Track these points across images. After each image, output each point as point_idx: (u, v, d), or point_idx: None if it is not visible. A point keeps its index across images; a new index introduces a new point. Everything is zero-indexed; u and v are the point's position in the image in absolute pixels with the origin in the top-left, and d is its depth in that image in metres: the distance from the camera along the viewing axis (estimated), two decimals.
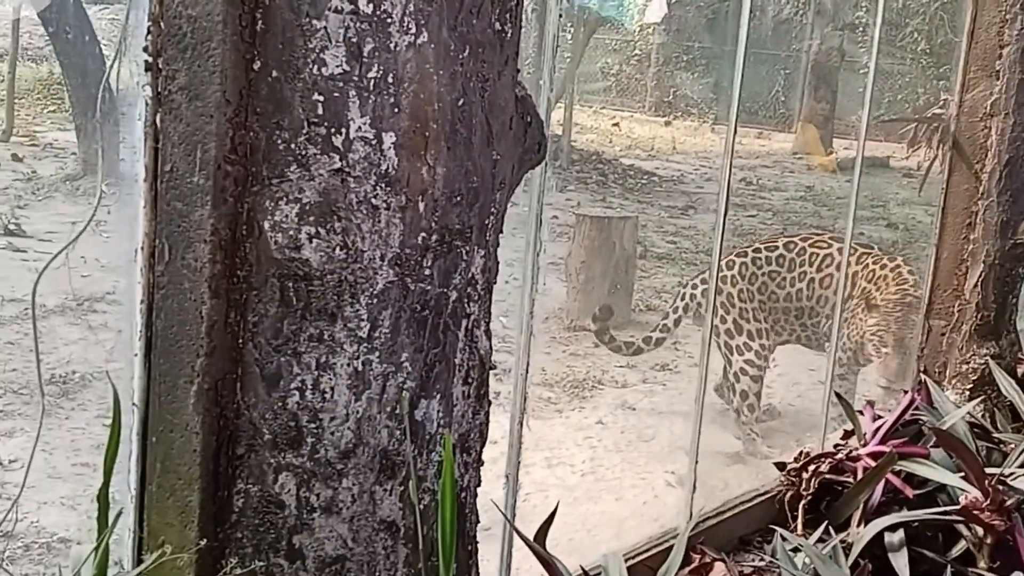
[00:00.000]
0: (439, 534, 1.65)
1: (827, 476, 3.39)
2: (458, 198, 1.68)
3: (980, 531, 3.11)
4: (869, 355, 4.91)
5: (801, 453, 3.46)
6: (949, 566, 2.97)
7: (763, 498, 3.40)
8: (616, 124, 17.56)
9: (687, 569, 2.92)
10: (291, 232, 1.54)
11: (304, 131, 1.52)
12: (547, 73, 2.30)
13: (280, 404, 1.60)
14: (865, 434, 3.55)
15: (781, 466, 3.47)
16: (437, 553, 1.71)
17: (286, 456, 1.61)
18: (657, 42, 20.15)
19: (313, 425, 1.62)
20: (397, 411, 1.69)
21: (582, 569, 2.55)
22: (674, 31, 19.94)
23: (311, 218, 1.54)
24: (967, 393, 4.03)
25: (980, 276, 4.02)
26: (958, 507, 3.13)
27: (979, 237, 4.02)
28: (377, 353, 1.64)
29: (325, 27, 1.50)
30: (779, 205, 12.14)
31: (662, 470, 4.39)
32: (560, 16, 2.32)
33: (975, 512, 3.09)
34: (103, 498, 1.53)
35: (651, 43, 20.22)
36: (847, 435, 3.68)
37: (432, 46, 1.58)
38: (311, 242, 1.55)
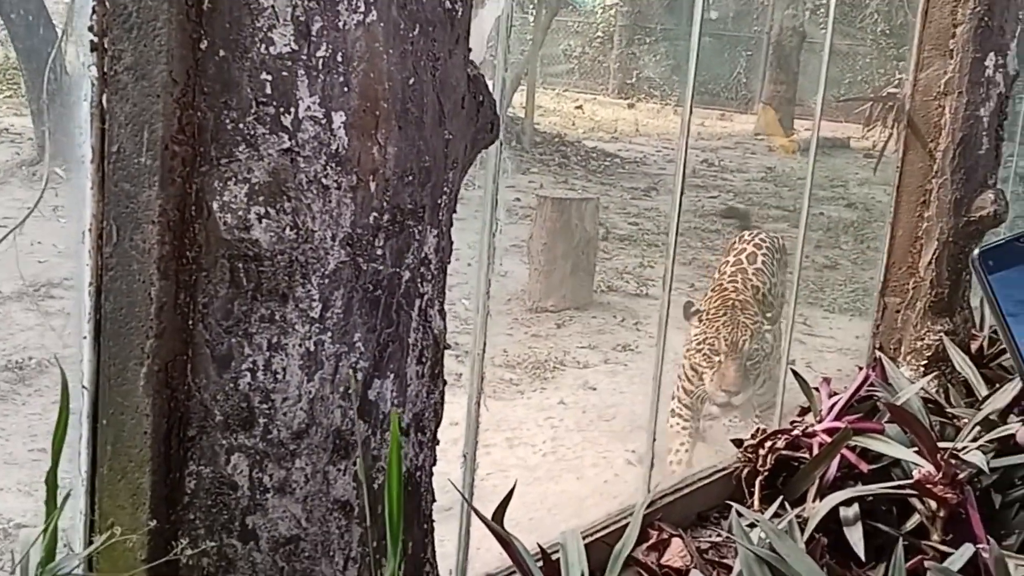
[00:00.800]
0: (386, 512, 1.66)
1: (784, 452, 3.42)
2: (410, 177, 1.68)
3: (933, 504, 3.16)
4: (699, 366, 4.47)
5: (758, 430, 3.49)
6: (902, 539, 3.01)
7: (721, 475, 3.43)
8: (579, 106, 17.58)
9: (645, 545, 2.94)
10: (240, 212, 1.53)
11: (252, 111, 1.51)
12: (501, 53, 2.30)
13: (232, 385, 1.59)
14: (821, 410, 3.59)
15: (738, 443, 3.50)
16: None
17: (238, 437, 1.61)
18: (620, 24, 20.15)
19: (265, 406, 1.61)
20: (350, 391, 1.69)
21: (539, 547, 2.56)
22: (636, 13, 19.96)
23: (260, 198, 1.54)
24: (921, 369, 4.08)
25: (934, 254, 4.07)
26: (912, 481, 3.18)
27: (933, 215, 4.06)
28: (329, 333, 1.64)
29: (272, 5, 1.49)
30: (741, 186, 12.22)
31: (623, 449, 4.42)
32: None
33: (928, 486, 3.13)
34: (51, 481, 1.52)
35: (613, 25, 20.23)
36: (803, 412, 3.72)
37: (382, 24, 1.58)
38: (261, 222, 1.54)
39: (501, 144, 2.28)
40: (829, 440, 3.34)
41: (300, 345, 1.62)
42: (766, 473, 3.36)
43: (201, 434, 1.60)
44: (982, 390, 3.82)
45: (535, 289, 6.93)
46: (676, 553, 2.90)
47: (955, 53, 3.99)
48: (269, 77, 1.51)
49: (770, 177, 12.88)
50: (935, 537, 3.12)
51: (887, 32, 16.12)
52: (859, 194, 11.27)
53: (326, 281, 1.61)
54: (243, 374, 1.59)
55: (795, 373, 3.74)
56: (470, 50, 1.83)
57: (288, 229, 1.56)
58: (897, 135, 4.20)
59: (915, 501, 3.21)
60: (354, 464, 1.71)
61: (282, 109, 1.52)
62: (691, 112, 3.15)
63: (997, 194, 4.09)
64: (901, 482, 3.24)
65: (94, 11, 1.53)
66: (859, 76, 16.87)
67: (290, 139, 1.54)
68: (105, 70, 1.54)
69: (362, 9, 1.56)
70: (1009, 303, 1.08)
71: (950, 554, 2.90)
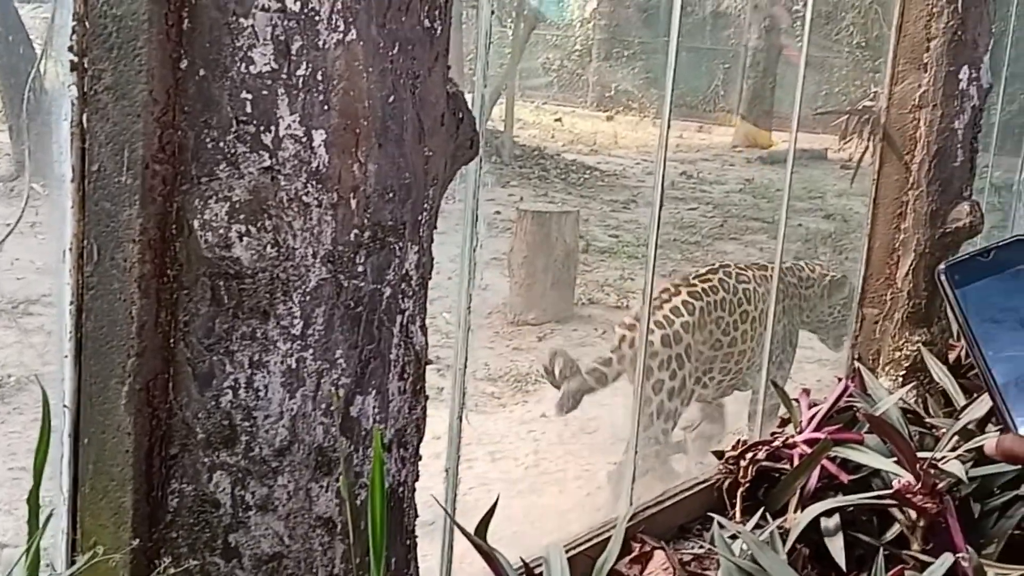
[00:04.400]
0: (369, 529, 1.66)
1: (764, 463, 3.44)
2: (390, 195, 1.69)
3: (913, 514, 3.17)
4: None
5: (739, 441, 3.51)
6: (883, 549, 3.03)
7: (702, 486, 3.44)
8: (558, 119, 17.63)
9: (627, 558, 2.95)
10: (221, 231, 1.54)
11: (233, 129, 1.52)
12: (480, 69, 2.32)
13: (213, 403, 1.59)
14: (801, 421, 3.61)
15: (720, 454, 3.52)
16: None
17: (220, 455, 1.61)
18: (597, 37, 20.24)
19: (247, 423, 1.62)
20: (332, 408, 1.69)
21: (523, 562, 2.56)
22: (614, 26, 20.05)
23: (241, 216, 1.54)
24: (900, 379, 4.11)
25: (911, 265, 4.10)
26: (891, 491, 3.20)
27: (910, 227, 4.10)
28: (311, 350, 1.65)
29: (252, 25, 1.50)
30: (719, 198, 12.27)
31: (605, 461, 4.43)
32: (492, 13, 2.33)
33: (908, 496, 3.15)
34: (33, 501, 1.51)
35: (592, 38, 20.32)
36: (783, 423, 3.73)
37: (361, 43, 1.59)
38: (242, 240, 1.55)
39: (481, 159, 2.29)
40: (809, 451, 3.36)
41: (282, 362, 1.62)
42: (747, 484, 3.37)
43: (183, 452, 1.60)
44: (960, 400, 3.85)
45: (516, 302, 6.94)
46: (658, 566, 2.91)
47: (929, 66, 4.03)
48: (249, 96, 1.52)
49: (748, 189, 12.95)
50: (915, 547, 3.14)
51: (863, 44, 16.25)
52: (836, 205, 11.34)
53: (307, 298, 1.62)
54: (225, 392, 1.59)
55: (775, 384, 3.76)
56: (449, 67, 1.84)
57: (269, 247, 1.56)
58: (873, 148, 4.24)
59: (895, 511, 3.23)
60: (336, 481, 1.71)
61: (262, 128, 1.53)
62: (669, 125, 3.17)
63: (972, 205, 4.13)
64: (881, 492, 3.26)
65: (74, 31, 1.53)
66: (835, 88, 17.00)
67: (271, 157, 1.55)
68: (85, 90, 1.54)
69: (341, 28, 1.57)
70: (975, 317, 1.10)
71: (930, 563, 2.92)
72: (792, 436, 3.54)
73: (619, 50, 19.83)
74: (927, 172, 4.07)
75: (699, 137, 16.99)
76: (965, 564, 2.81)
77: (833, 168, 12.84)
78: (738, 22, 18.78)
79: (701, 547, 3.13)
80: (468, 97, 2.02)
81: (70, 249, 1.58)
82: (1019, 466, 1.17)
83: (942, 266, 1.10)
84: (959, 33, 4.00)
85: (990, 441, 1.19)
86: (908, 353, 4.14)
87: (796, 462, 3.38)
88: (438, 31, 1.74)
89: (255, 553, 1.64)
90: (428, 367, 2.05)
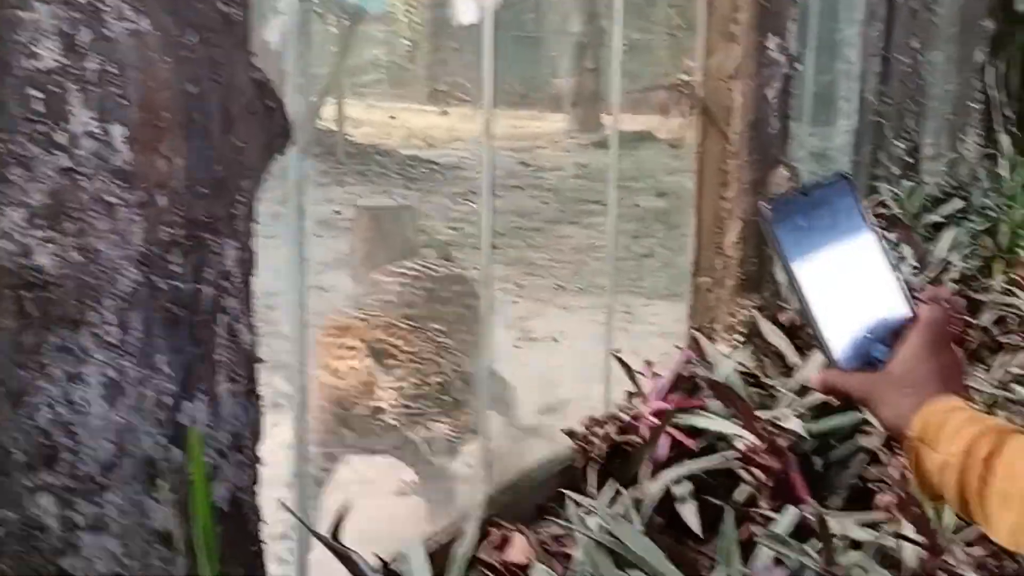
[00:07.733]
0: (197, 536, 1.60)
1: (616, 438, 3.47)
2: (202, 189, 1.62)
3: (760, 473, 3.26)
4: None
5: (589, 418, 3.53)
6: (733, 509, 3.09)
7: (560, 467, 3.45)
8: (392, 116, 17.51)
9: (488, 545, 2.93)
10: (19, 238, 1.45)
11: (22, 130, 1.43)
12: (292, 60, 2.26)
13: (29, 421, 1.51)
14: (646, 393, 3.66)
15: (571, 433, 3.53)
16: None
17: (42, 476, 1.53)
18: (423, 30, 20.19)
19: (68, 440, 1.53)
20: (159, 416, 1.62)
21: (380, 559, 2.52)
22: (437, 18, 20.03)
23: (41, 221, 1.46)
24: (738, 344, 4.22)
25: (738, 233, 4.22)
26: (737, 453, 3.28)
27: (734, 195, 4.21)
28: (131, 358, 1.57)
29: (34, 18, 1.42)
30: (557, 184, 12.40)
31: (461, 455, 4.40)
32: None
33: (753, 456, 3.24)
34: None
35: (419, 33, 20.25)
36: (630, 396, 3.78)
37: (155, 32, 1.52)
38: (43, 247, 1.46)
39: (305, 155, 2.24)
40: (658, 421, 3.41)
41: (100, 373, 1.54)
42: (602, 460, 3.39)
43: (1, 476, 1.50)
44: (795, 359, 3.97)
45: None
46: (518, 549, 2.91)
47: (739, 38, 4.14)
48: (38, 93, 1.44)
49: (584, 173, 13.13)
50: (764, 504, 3.22)
51: (683, 25, 16.67)
52: (668, 183, 11.58)
53: (121, 303, 1.54)
54: (40, 408, 1.51)
55: (617, 357, 3.79)
56: (254, 55, 1.78)
57: (73, 251, 1.48)
58: (694, 122, 4.33)
59: (743, 472, 3.31)
60: (172, 492, 1.64)
61: (55, 126, 1.45)
62: (491, 113, 3.17)
63: (791, 171, 4.28)
64: (726, 454, 3.34)
65: None
66: (659, 69, 17.37)
67: (68, 158, 1.47)
68: None
69: (131, 17, 1.49)
70: (793, 253, 1.13)
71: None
72: (639, 408, 3.59)
73: (446, 42, 19.82)
74: (747, 142, 4.19)
75: (535, 125, 17.13)
76: (809, 516, 2.90)
77: (663, 148, 13.12)
78: (562, 9, 19.01)
79: (562, 527, 3.14)
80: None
81: None
82: (841, 400, 1.19)
83: (764, 203, 1.12)
84: (764, 3, 4.12)
85: (814, 376, 1.21)
86: (743, 318, 4.25)
87: (645, 434, 3.42)
88: (236, 15, 1.68)
89: None
90: (276, 374, 1.98)
